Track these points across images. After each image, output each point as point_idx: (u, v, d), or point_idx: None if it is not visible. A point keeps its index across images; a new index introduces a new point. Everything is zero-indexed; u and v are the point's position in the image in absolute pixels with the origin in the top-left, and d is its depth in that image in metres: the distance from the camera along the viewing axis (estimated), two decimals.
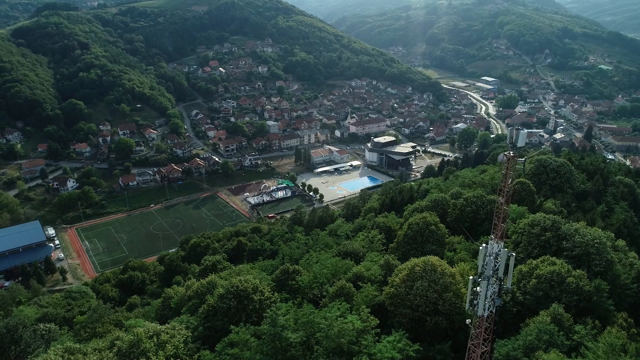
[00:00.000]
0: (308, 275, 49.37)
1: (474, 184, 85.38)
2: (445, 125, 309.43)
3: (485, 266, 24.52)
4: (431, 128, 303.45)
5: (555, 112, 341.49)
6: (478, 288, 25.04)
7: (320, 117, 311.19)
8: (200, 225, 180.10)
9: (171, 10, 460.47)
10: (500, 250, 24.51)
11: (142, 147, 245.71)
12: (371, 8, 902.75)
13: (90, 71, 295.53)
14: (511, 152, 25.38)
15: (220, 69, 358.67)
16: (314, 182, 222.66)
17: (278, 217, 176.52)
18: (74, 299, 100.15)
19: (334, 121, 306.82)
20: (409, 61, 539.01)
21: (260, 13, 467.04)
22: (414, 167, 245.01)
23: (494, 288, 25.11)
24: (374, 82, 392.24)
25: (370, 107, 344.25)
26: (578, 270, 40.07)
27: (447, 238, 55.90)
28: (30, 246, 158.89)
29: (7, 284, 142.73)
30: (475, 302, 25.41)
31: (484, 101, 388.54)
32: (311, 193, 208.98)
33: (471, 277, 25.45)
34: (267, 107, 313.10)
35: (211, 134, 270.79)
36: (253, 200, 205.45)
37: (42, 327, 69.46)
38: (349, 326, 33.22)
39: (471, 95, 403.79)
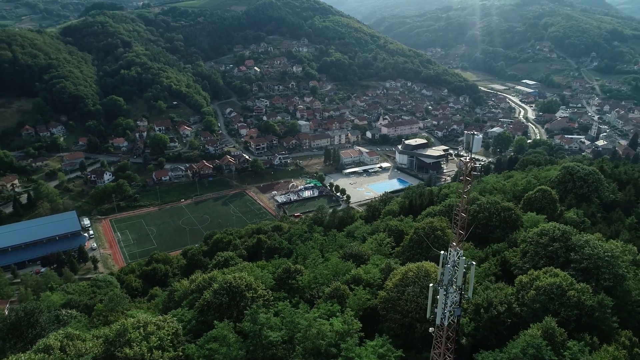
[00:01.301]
0: (309, 275, 49.40)
1: (495, 190, 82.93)
2: (481, 129, 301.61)
3: (444, 274, 23.74)
4: (465, 131, 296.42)
5: (599, 118, 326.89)
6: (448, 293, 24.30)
7: (352, 118, 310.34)
8: (227, 222, 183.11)
9: (211, 10, 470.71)
10: (458, 258, 23.66)
11: (176, 143, 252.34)
12: (410, 8, 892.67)
13: (131, 69, 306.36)
14: (468, 157, 24.49)
15: (255, 68, 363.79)
16: (342, 182, 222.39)
17: (303, 216, 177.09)
18: (99, 287, 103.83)
19: (365, 122, 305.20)
20: (447, 63, 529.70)
21: (297, 13, 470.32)
22: (444, 170, 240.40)
23: (455, 297, 24.26)
24: (409, 84, 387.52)
25: (404, 108, 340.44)
26: (581, 284, 38.24)
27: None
28: (66, 235, 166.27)
29: (42, 269, 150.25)
30: (435, 310, 24.67)
31: (523, 105, 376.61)
32: (338, 193, 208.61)
33: (431, 285, 24.74)
34: (299, 106, 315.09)
35: (243, 132, 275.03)
36: (280, 198, 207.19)
37: (64, 312, 72.61)
38: (327, 328, 33.03)
39: (510, 99, 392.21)
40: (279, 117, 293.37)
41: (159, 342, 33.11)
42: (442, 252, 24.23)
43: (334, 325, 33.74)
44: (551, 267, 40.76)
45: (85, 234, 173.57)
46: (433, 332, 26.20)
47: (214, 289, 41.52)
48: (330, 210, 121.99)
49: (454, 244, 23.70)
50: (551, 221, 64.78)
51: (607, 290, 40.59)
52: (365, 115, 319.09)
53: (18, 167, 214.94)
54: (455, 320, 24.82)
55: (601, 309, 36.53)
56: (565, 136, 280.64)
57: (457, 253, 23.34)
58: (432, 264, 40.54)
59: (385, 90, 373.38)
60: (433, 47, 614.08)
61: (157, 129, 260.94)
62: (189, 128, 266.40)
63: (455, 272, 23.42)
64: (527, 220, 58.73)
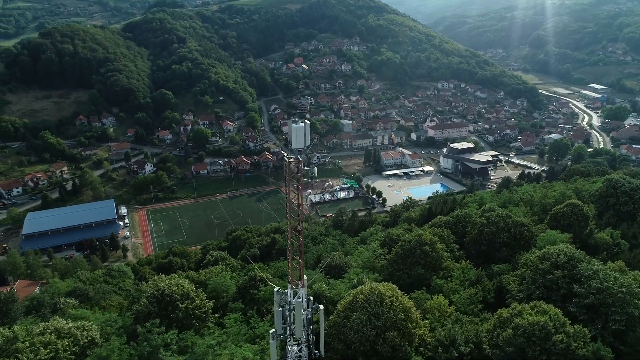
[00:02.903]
0: (272, 285, 44.20)
1: (521, 201, 73.66)
2: (537, 134, 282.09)
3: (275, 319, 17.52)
4: (519, 137, 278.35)
5: None
6: (289, 346, 18.12)
7: (398, 119, 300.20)
8: (256, 218, 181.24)
9: (266, 8, 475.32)
10: (295, 300, 17.39)
11: (218, 138, 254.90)
12: (474, 8, 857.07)
13: (182, 64, 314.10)
14: (293, 156, 18.43)
15: (304, 65, 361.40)
16: (379, 184, 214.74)
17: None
18: (112, 277, 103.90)
19: (412, 123, 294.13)
20: (507, 64, 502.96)
21: (351, 11, 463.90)
22: (492, 177, 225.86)
23: (300, 350, 18.03)
24: (462, 85, 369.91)
25: (455, 110, 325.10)
26: (577, 326, 30.40)
27: (446, 262, 47.13)
28: (102, 222, 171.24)
29: (76, 254, 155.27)
30: None
31: (587, 111, 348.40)
32: (374, 196, 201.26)
33: (272, 331, 18.46)
34: (344, 105, 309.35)
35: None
36: (314, 198, 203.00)
37: (62, 301, 72.11)
38: (226, 358, 27.84)
39: (573, 104, 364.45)
40: (322, 116, 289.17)
41: (53, 354, 29.48)
42: (275, 288, 18.16)
43: (244, 354, 28.55)
44: (541, 301, 32.96)
45: (121, 223, 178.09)
46: None
47: (146, 296, 37.55)
48: (351, 214, 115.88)
49: (291, 279, 17.61)
50: (578, 241, 55.86)
51: (617, 335, 32.39)
52: (412, 116, 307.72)
53: (69, 154, 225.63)
54: None
55: None
56: (633, 146, 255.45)
57: (295, 293, 17.19)
58: (393, 286, 34.05)
59: (436, 91, 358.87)
60: (494, 48, 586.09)
61: (201, 123, 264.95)
62: (231, 123, 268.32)
63: (290, 319, 17.39)
64: (543, 240, 50.02)
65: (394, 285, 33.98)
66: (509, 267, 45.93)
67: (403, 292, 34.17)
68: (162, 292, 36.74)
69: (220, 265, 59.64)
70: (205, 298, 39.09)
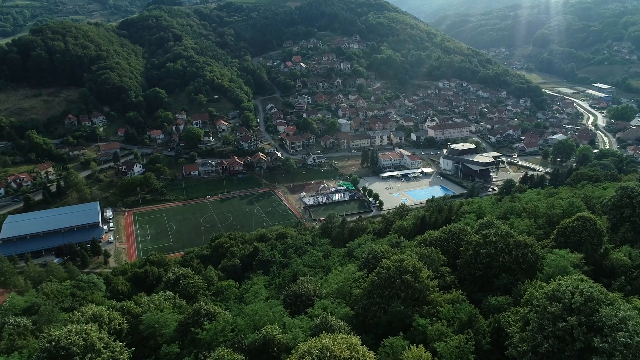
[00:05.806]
0: (217, 324, 36.09)
1: (525, 212, 65.40)
2: (540, 135, 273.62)
3: None
4: (522, 137, 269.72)
5: None
6: None
7: (398, 119, 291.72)
8: (247, 222, 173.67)
9: (265, 5, 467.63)
10: None
11: (211, 138, 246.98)
12: (477, 7, 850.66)
13: (176, 62, 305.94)
14: None
15: (302, 64, 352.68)
16: (377, 186, 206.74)
17: None
18: (81, 289, 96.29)
19: (412, 123, 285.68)
20: (510, 63, 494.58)
21: (351, 9, 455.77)
22: (494, 179, 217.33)
23: None
24: (464, 84, 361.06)
25: (456, 110, 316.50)
26: None
27: (433, 294, 38.87)
28: (84, 226, 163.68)
29: (56, 260, 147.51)
30: None
31: (592, 111, 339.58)
32: (371, 199, 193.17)
33: None
34: (342, 104, 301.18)
35: (281, 129, 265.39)
36: (308, 200, 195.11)
37: (12, 321, 64.86)
38: None
39: (578, 104, 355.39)
40: (319, 115, 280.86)
41: None
42: None
43: None
44: None
45: (105, 226, 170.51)
46: None
47: (39, 349, 29.56)
48: (341, 220, 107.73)
49: None
50: (591, 262, 47.62)
51: None
52: (412, 116, 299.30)
53: (56, 154, 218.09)
54: None
55: None
56: None
57: None
58: (353, 342, 25.89)
59: (437, 91, 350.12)
60: (497, 47, 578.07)
61: (194, 122, 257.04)
62: (225, 123, 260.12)
63: None
64: (550, 264, 41.65)
65: (356, 340, 25.90)
66: (509, 299, 37.77)
67: (368, 349, 26.00)
68: (56, 345, 28.76)
69: (168, 292, 51.52)
70: (119, 348, 31.14)
